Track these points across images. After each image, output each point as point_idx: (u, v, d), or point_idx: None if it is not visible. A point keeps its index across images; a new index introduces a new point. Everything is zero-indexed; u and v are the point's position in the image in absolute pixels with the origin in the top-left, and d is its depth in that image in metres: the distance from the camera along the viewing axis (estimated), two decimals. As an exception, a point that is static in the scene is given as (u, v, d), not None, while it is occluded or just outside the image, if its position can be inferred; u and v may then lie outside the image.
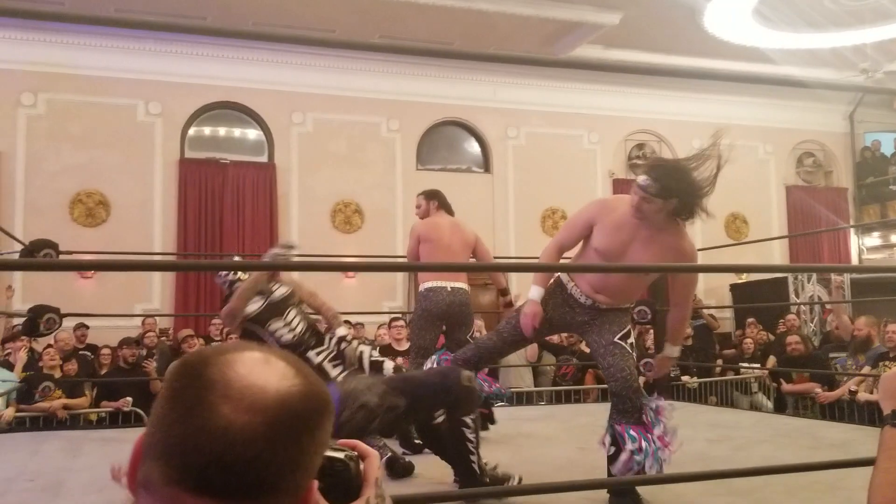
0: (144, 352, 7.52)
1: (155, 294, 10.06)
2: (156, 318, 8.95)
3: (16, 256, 4.88)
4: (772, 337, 9.14)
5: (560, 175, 11.80)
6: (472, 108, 11.71)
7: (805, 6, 9.69)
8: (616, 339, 3.20)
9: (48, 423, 5.96)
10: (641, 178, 3.13)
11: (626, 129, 12.62)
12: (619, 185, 12.47)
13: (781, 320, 9.28)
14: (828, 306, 10.26)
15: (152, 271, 9.93)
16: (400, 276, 11.00)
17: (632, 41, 10.82)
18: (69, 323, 7.68)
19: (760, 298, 11.10)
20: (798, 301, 10.75)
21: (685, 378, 8.10)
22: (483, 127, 11.85)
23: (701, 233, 12.59)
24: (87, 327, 8.28)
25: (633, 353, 3.19)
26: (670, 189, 3.07)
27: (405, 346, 7.56)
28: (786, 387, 7.14)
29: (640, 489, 2.82)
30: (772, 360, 8.06)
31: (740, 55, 11.02)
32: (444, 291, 4.57)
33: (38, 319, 4.70)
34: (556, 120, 12.05)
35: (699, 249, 11.63)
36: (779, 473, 2.48)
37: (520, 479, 3.21)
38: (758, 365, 8.34)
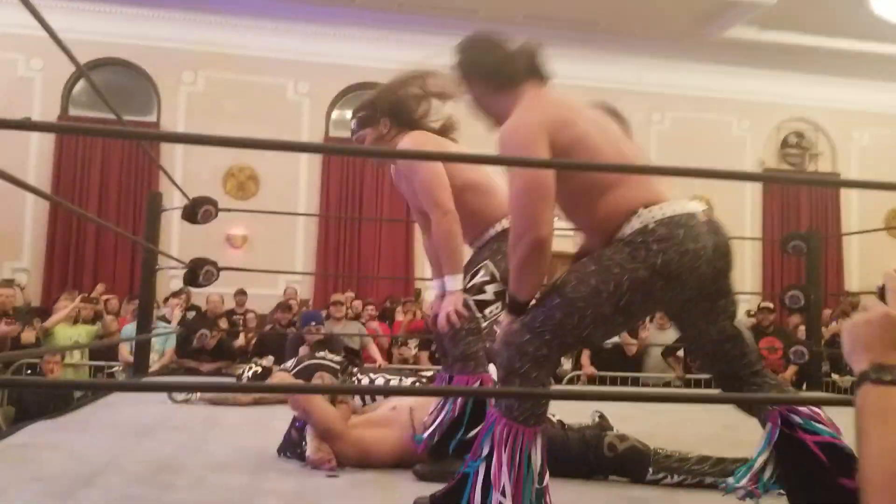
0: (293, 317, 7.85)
1: (298, 262, 10.44)
2: (296, 287, 9.33)
3: (178, 213, 5.18)
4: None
5: (706, 162, 11.32)
6: (616, 90, 11.41)
7: None
8: None
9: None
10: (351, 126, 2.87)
11: (779, 115, 11.99)
12: (770, 175, 11.88)
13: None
14: None
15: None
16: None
17: (790, 22, 10.26)
18: (225, 289, 8.11)
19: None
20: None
21: (836, 376, 7.63)
22: (626, 111, 11.51)
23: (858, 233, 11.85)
24: (246, 294, 8.69)
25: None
26: (373, 112, 2.78)
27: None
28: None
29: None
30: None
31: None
32: None
33: (198, 271, 4.97)
34: (704, 104, 11.60)
35: (855, 233, 10.66)
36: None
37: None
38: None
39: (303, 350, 5.75)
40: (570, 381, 7.02)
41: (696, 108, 11.59)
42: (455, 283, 2.64)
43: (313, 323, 6.19)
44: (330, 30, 10.73)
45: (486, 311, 2.63)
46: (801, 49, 10.91)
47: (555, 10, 9.98)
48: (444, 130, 2.88)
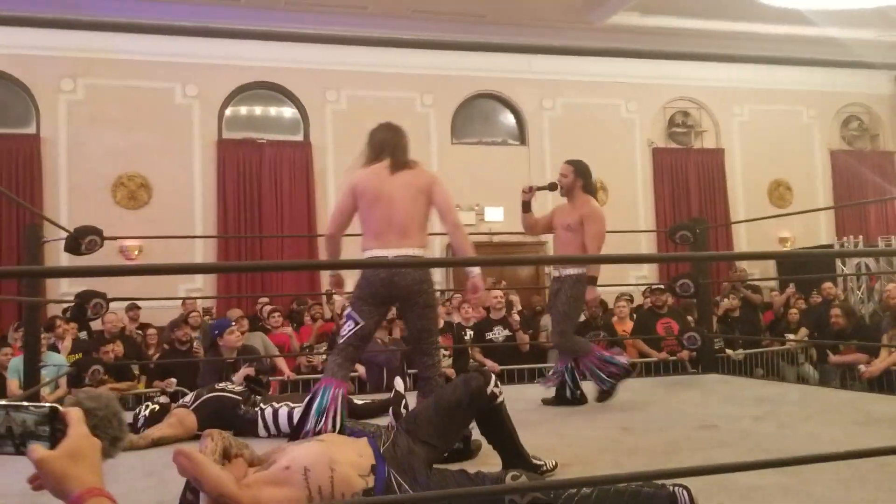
0: (194, 333, 7.61)
1: (198, 275, 10.21)
2: (197, 299, 9.10)
3: (62, 243, 4.97)
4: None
5: (598, 145, 11.65)
6: (507, 79, 11.59)
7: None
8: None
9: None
10: None
11: (664, 96, 12.40)
12: (659, 154, 12.29)
13: (815, 291, 9.11)
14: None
15: (195, 273, 10.09)
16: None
17: (670, 6, 10.61)
18: (116, 305, 7.83)
19: (806, 267, 10.89)
20: (844, 272, 10.51)
21: (729, 351, 8.01)
22: (518, 99, 11.74)
23: (744, 202, 12.43)
24: (139, 308, 8.43)
25: None
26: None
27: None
28: (832, 358, 7.02)
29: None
30: (803, 331, 7.97)
31: (780, 18, 10.72)
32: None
33: (86, 304, 4.81)
34: (593, 89, 11.89)
35: (741, 221, 11.41)
36: (824, 461, 2.43)
37: (555, 465, 3.09)
38: (803, 335, 8.22)
39: (238, 378, 5.11)
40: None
41: (586, 93, 11.86)
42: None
43: (216, 332, 5.58)
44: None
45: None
46: (681, 31, 11.29)
47: (442, 4, 9.99)
48: None
